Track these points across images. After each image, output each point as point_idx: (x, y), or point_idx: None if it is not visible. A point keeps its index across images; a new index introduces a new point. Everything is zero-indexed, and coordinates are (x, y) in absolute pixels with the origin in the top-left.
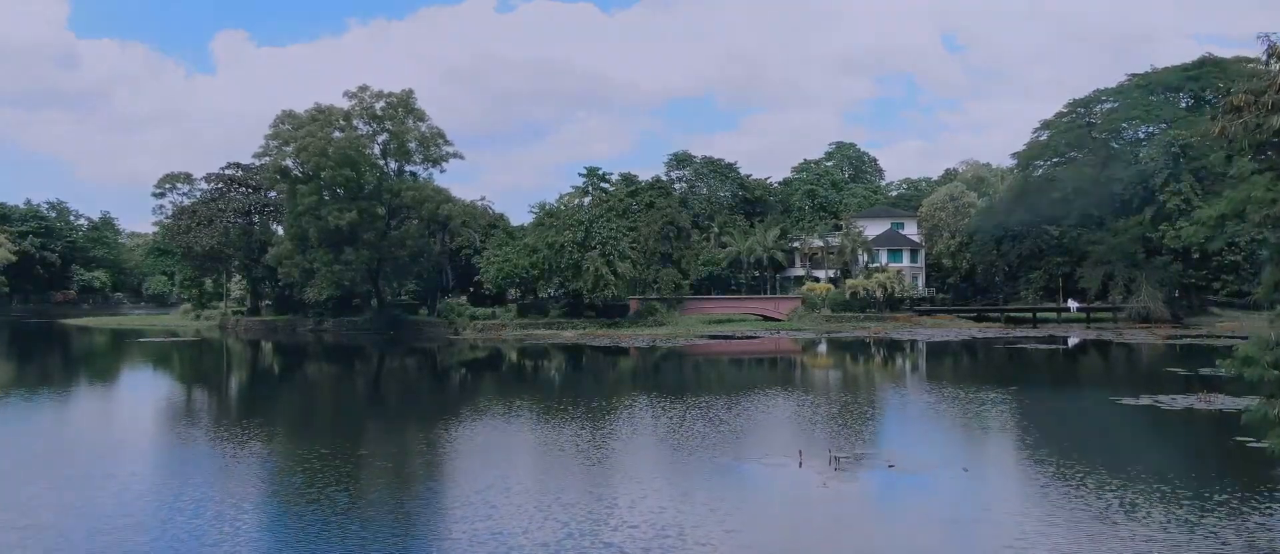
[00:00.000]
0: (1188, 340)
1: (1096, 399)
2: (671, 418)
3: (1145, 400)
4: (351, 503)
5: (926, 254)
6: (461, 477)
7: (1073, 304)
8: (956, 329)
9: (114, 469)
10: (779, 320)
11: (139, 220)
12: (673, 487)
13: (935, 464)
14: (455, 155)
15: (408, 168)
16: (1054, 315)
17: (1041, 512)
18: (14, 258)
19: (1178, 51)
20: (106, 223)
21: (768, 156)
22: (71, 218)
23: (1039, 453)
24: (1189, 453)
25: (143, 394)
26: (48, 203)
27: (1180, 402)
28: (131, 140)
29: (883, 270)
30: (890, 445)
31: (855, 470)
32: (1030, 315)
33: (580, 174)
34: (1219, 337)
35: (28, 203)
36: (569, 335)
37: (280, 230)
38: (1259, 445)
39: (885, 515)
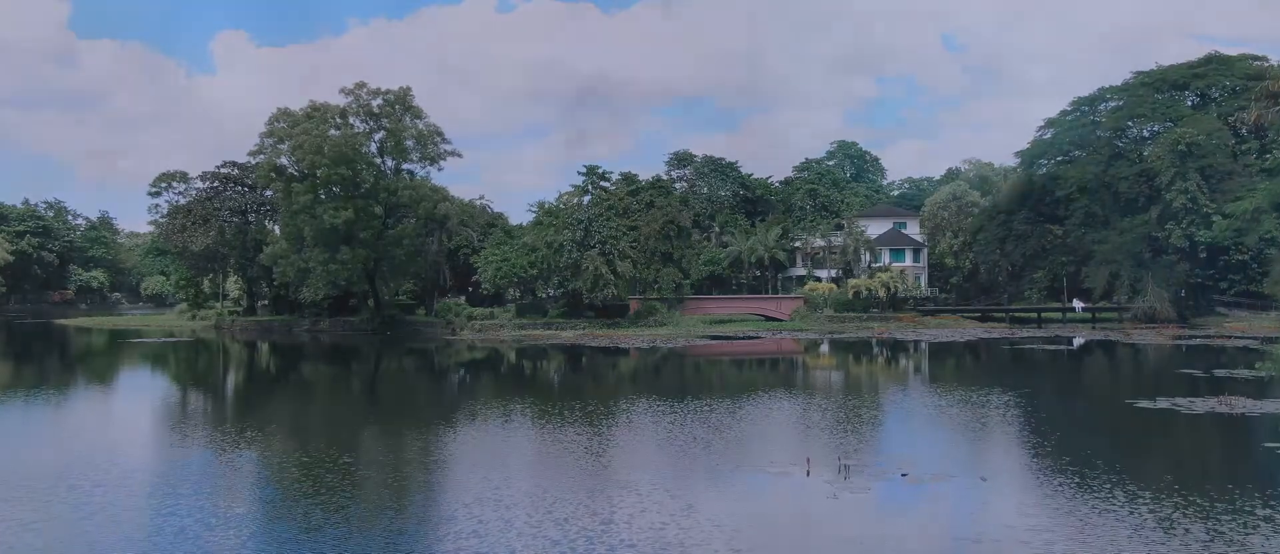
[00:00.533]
0: (1197, 341)
1: (1111, 402)
2: (672, 422)
3: (1163, 404)
4: (326, 518)
5: (929, 254)
6: (450, 487)
7: (1078, 304)
8: (961, 329)
9: (78, 480)
10: (781, 320)
11: (137, 220)
12: (674, 499)
13: (950, 473)
14: (453, 154)
15: (405, 166)
16: (1059, 315)
17: (1070, 528)
18: (11, 258)
19: (1179, 51)
20: (104, 223)
21: (768, 156)
22: (69, 217)
23: (1060, 461)
24: (1219, 460)
25: (124, 398)
26: (45, 202)
27: (1199, 405)
28: (131, 140)
29: (885, 270)
30: (901, 452)
31: (866, 479)
32: (1035, 315)
33: (580, 172)
34: (1228, 337)
35: (25, 202)
36: (568, 336)
37: (276, 229)
38: None
39: (903, 531)
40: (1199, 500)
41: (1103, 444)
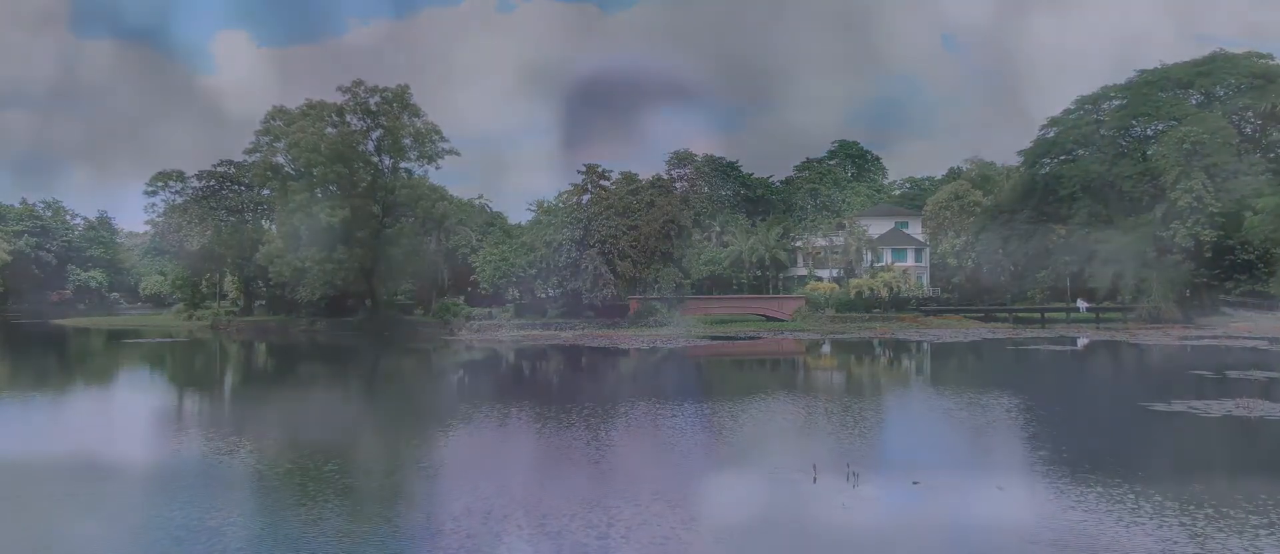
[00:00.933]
0: (1203, 341)
1: (1124, 405)
2: (673, 426)
3: (1178, 406)
4: (303, 531)
5: (931, 253)
6: (438, 498)
7: (1081, 304)
8: (964, 329)
9: (54, 488)
10: (782, 321)
11: (136, 220)
12: (675, 510)
13: (964, 480)
14: (451, 152)
15: (403, 165)
16: (1063, 315)
17: (1094, 541)
18: (9, 258)
19: (1180, 51)
20: (103, 222)
21: (769, 156)
22: (67, 217)
23: (1078, 469)
24: (1247, 469)
25: (114, 402)
26: (43, 202)
27: (1216, 408)
28: (131, 140)
29: (887, 270)
30: (910, 457)
31: (876, 487)
32: (1038, 316)
33: (579, 171)
34: (1235, 337)
35: (23, 202)
36: (567, 336)
37: (273, 228)
38: None
39: (918, 543)
40: (1231, 512)
41: (1121, 449)
